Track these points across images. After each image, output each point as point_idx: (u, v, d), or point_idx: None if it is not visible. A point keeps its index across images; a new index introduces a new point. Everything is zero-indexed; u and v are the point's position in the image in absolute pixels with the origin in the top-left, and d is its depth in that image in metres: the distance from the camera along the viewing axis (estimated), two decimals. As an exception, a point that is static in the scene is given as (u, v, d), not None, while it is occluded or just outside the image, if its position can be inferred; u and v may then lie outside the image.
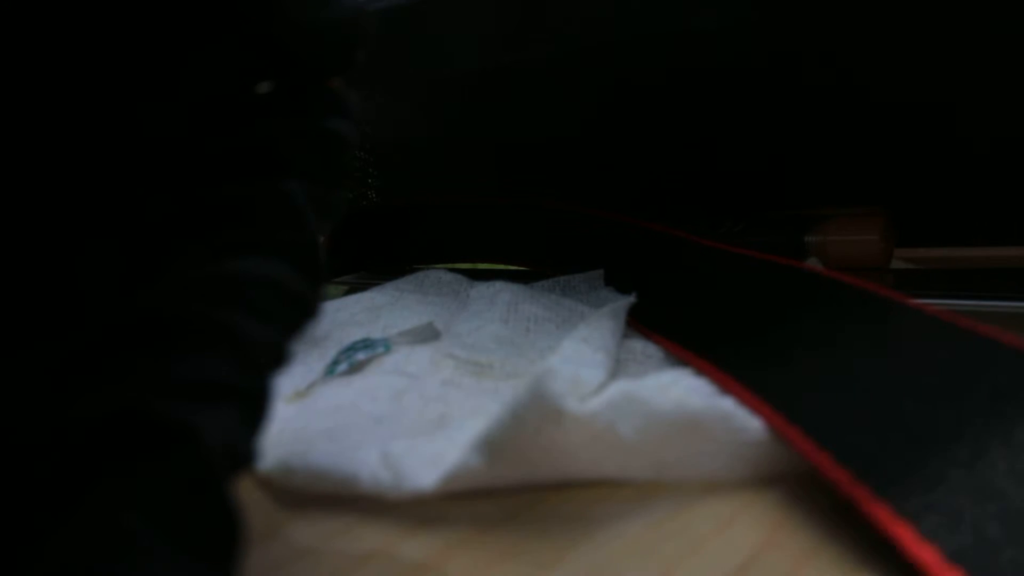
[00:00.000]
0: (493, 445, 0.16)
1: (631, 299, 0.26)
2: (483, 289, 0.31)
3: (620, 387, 0.17)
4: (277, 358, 0.14)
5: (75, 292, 0.12)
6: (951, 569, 0.12)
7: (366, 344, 0.26)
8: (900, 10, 0.31)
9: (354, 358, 0.25)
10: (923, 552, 0.12)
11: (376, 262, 0.46)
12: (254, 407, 0.13)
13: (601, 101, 0.41)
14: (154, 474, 0.11)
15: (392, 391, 0.23)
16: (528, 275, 0.34)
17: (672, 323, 0.25)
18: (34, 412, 0.11)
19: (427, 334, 0.27)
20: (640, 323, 0.26)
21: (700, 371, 0.21)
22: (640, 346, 0.25)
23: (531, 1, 0.39)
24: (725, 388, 0.19)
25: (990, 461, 0.13)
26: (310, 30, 0.15)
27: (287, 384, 0.24)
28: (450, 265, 0.40)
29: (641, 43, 0.37)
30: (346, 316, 0.30)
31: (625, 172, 0.42)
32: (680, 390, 0.17)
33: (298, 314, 0.14)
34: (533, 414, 0.16)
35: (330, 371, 0.25)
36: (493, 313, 0.27)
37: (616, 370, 0.23)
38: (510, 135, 0.45)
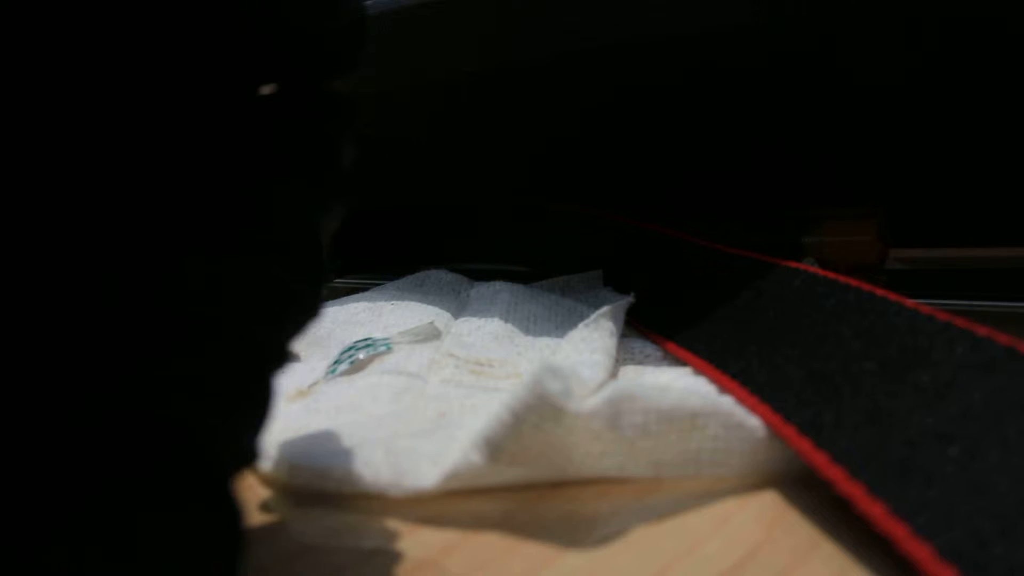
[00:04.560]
0: (493, 444, 0.16)
1: (630, 299, 0.26)
2: (483, 289, 0.31)
3: (619, 386, 0.17)
4: (279, 357, 0.14)
5: (74, 293, 0.12)
6: (945, 566, 0.12)
7: (367, 343, 0.26)
8: (898, 8, 0.31)
9: (355, 357, 0.25)
10: (917, 549, 0.13)
11: (377, 262, 0.46)
12: (257, 406, 0.13)
13: (600, 102, 0.41)
14: (155, 474, 0.11)
15: (393, 390, 0.23)
16: (528, 275, 0.34)
17: (671, 323, 0.25)
18: (33, 413, 0.11)
19: (428, 333, 0.27)
20: (639, 323, 0.27)
21: (699, 370, 0.22)
22: (639, 346, 0.25)
23: (531, 3, 0.39)
24: (723, 387, 0.19)
25: (984, 458, 0.13)
26: (312, 32, 0.15)
27: (289, 383, 0.25)
28: (450, 265, 0.40)
29: (640, 44, 0.37)
30: (347, 316, 0.31)
31: (624, 173, 0.42)
32: (679, 389, 0.17)
33: (300, 314, 0.14)
34: (533, 413, 0.16)
35: (332, 370, 0.25)
36: (493, 312, 0.28)
37: (615, 370, 0.24)
38: (510, 136, 0.45)
